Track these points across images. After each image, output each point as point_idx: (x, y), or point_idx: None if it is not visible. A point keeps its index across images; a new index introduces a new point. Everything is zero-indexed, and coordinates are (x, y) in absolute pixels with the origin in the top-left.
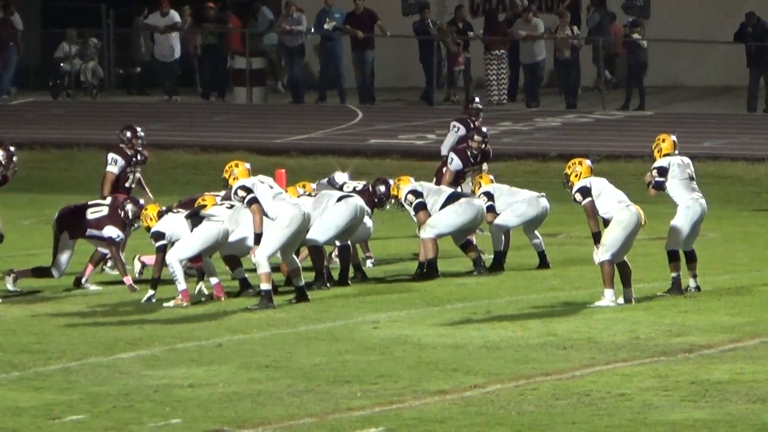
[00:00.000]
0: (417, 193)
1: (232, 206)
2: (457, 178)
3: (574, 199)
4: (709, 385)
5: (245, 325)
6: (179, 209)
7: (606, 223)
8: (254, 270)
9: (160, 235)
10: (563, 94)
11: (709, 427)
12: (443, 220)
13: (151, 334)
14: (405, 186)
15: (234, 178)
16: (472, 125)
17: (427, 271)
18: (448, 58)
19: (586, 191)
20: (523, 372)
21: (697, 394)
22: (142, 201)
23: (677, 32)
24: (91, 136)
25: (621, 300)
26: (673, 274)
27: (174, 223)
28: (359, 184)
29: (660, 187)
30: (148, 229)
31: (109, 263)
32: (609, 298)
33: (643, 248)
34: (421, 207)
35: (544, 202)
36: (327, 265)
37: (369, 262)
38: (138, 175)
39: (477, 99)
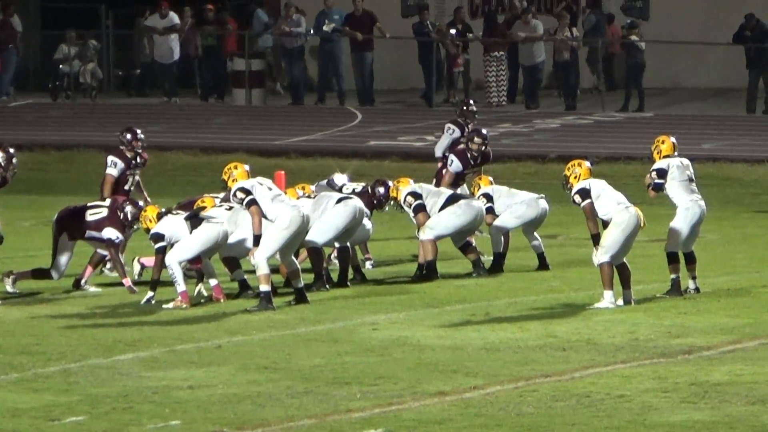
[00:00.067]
0: (416, 195)
1: (231, 208)
2: (457, 180)
3: (573, 200)
4: (708, 386)
5: (244, 327)
6: (178, 211)
7: (605, 224)
8: (253, 272)
9: (159, 237)
10: (562, 96)
11: (708, 428)
12: (443, 221)
13: (150, 336)
14: (404, 188)
15: (233, 180)
16: (466, 127)
17: (427, 272)
18: (447, 60)
19: (585, 193)
20: (522, 373)
21: (697, 395)
22: (141, 203)
23: (676, 34)
24: (91, 137)
25: (620, 301)
26: (673, 276)
27: (173, 225)
28: (358, 186)
29: (659, 188)
30: (148, 230)
31: (109, 265)
32: (608, 299)
33: (642, 250)
34: (421, 209)
35: (543, 204)
36: (326, 267)
37: (368, 264)
38: (137, 177)
39: (472, 101)
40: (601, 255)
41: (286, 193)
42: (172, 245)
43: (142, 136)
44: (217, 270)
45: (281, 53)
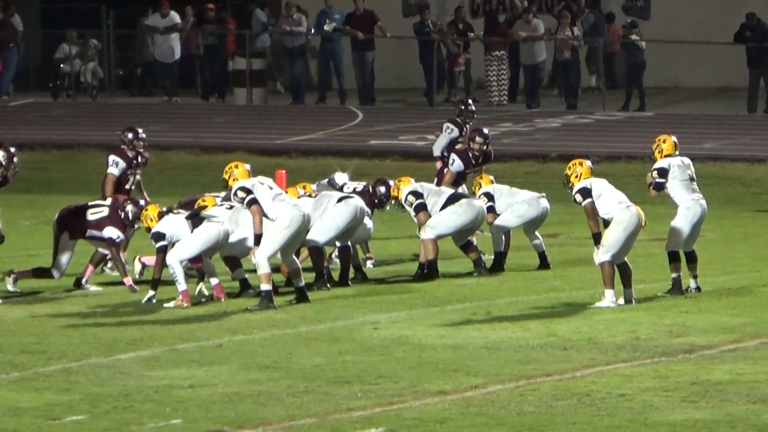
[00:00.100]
0: (417, 194)
1: (231, 207)
2: (458, 179)
3: (575, 199)
4: (709, 385)
5: (245, 326)
6: (180, 210)
7: (606, 224)
8: (254, 271)
9: (160, 236)
10: (562, 95)
11: (709, 427)
12: (443, 221)
13: (151, 335)
14: (405, 187)
15: (234, 179)
16: (465, 127)
17: (428, 271)
18: (448, 59)
19: (586, 192)
20: (523, 372)
21: (698, 394)
22: (142, 202)
23: (677, 33)
24: (92, 137)
25: (621, 301)
26: (674, 275)
27: (174, 224)
28: (359, 185)
29: (660, 188)
30: (149, 229)
31: (110, 264)
32: (609, 298)
33: (643, 249)
34: (422, 208)
35: (544, 203)
36: (327, 266)
37: (369, 263)
38: (138, 176)
39: (470, 101)
40: (602, 254)
41: (287, 192)
42: (173, 244)
43: (144, 135)
44: (218, 269)
45: (282, 52)
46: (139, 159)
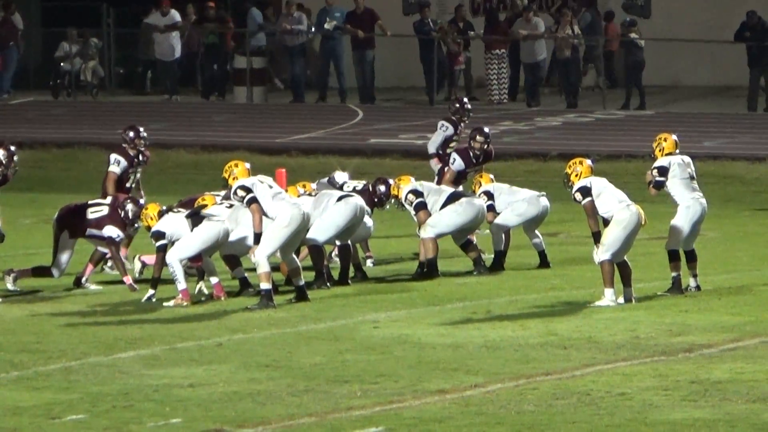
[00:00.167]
0: (417, 193)
1: (231, 206)
2: (459, 178)
3: (574, 198)
4: (709, 384)
5: (245, 325)
6: (179, 209)
7: (606, 222)
8: (254, 269)
9: (160, 235)
10: (562, 93)
11: (709, 426)
12: (443, 219)
13: (151, 334)
14: (405, 186)
15: (233, 178)
16: (460, 125)
17: (428, 270)
18: (448, 58)
19: (586, 191)
20: (523, 371)
21: (698, 393)
22: (142, 201)
23: (678, 32)
24: (92, 135)
25: (621, 299)
26: (674, 274)
27: (174, 223)
28: (359, 184)
29: (660, 186)
30: (149, 228)
31: (110, 263)
32: (609, 297)
33: (643, 248)
34: (422, 206)
35: (544, 202)
36: (327, 265)
37: (369, 262)
38: (138, 175)
39: (465, 99)
40: (602, 253)
41: (287, 191)
42: (173, 243)
43: (145, 134)
44: (218, 268)
45: (282, 51)
46: (141, 158)
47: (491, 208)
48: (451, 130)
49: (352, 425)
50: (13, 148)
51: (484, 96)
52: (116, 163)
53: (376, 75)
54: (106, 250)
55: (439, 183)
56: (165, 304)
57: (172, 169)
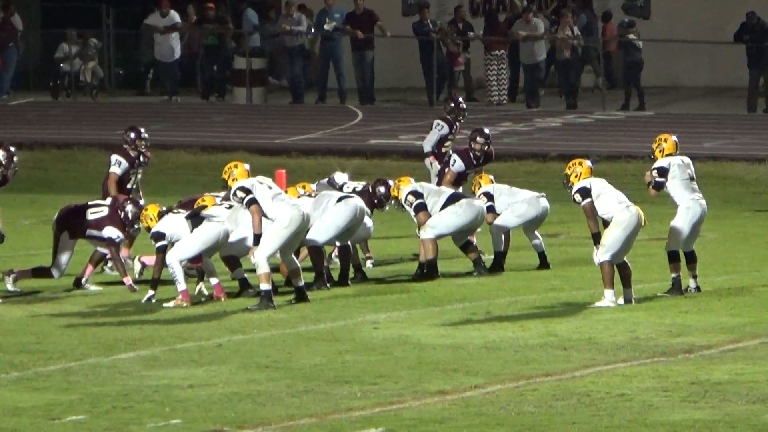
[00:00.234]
0: (417, 194)
1: (231, 207)
2: (459, 180)
3: (574, 199)
4: (709, 385)
5: (245, 326)
6: (179, 210)
7: (606, 223)
8: (254, 270)
9: (160, 236)
10: (561, 94)
11: (709, 427)
12: (443, 220)
13: (151, 335)
14: (405, 187)
15: (233, 179)
16: (455, 124)
17: (427, 271)
18: (448, 59)
19: (585, 192)
20: (523, 372)
21: (697, 394)
22: (142, 202)
23: (677, 32)
24: (91, 136)
25: (621, 300)
26: (673, 275)
27: (174, 224)
28: (359, 185)
29: (660, 187)
30: (149, 229)
31: (110, 264)
32: (609, 298)
33: (643, 249)
34: (422, 208)
35: (544, 203)
36: (327, 266)
37: (369, 263)
38: (139, 176)
39: (461, 99)
40: (602, 254)
41: (286, 191)
42: (172, 244)
43: (146, 135)
44: (218, 269)
45: (282, 52)
46: (141, 159)
47: (491, 209)
48: (446, 129)
49: (352, 426)
50: (12, 148)
51: (483, 97)
52: (117, 164)
53: (376, 76)
54: (105, 251)
55: (438, 184)
56: (165, 305)
57: (172, 169)
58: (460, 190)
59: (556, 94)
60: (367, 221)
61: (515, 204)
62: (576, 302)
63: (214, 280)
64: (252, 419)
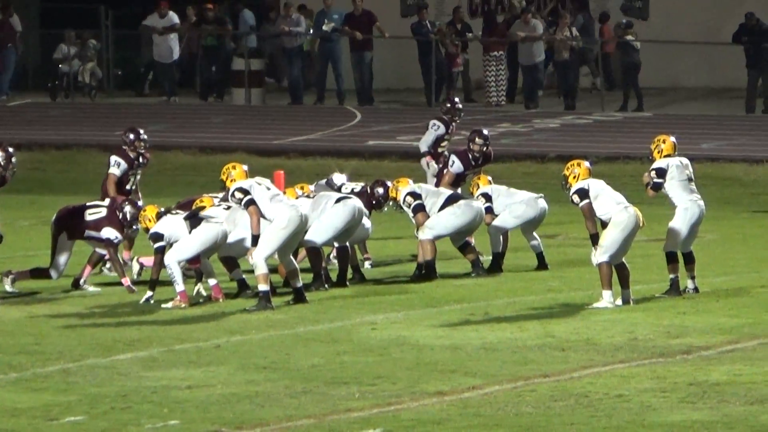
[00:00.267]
0: (416, 195)
1: (229, 207)
2: (458, 181)
3: (572, 200)
4: (707, 386)
5: (243, 327)
6: (178, 210)
7: (604, 224)
8: (252, 271)
9: (158, 237)
10: (561, 96)
11: (707, 428)
12: (442, 221)
13: (149, 336)
14: (403, 188)
15: (231, 180)
16: (451, 125)
17: (426, 272)
18: (447, 60)
19: (583, 193)
20: (521, 373)
21: (696, 395)
22: (140, 202)
23: (676, 33)
24: (90, 137)
25: (619, 301)
26: (672, 276)
27: (173, 225)
28: (357, 186)
29: (658, 188)
30: (147, 230)
31: (108, 264)
32: (607, 299)
33: (641, 250)
34: (420, 209)
35: (542, 203)
36: (325, 267)
37: (367, 264)
38: (138, 177)
39: (457, 99)
40: (600, 255)
41: (285, 192)
42: (171, 245)
43: (145, 136)
44: (216, 270)
45: (281, 53)
46: (141, 160)
47: (489, 210)
48: (442, 129)
49: (350, 427)
50: (11, 149)
51: (482, 98)
52: (116, 165)
53: (375, 77)
54: (104, 252)
55: (437, 185)
56: (163, 305)
57: (170, 170)
58: (459, 191)
59: (555, 95)
60: (366, 222)
61: (513, 205)
62: (574, 303)
63: (212, 281)
64: (250, 420)
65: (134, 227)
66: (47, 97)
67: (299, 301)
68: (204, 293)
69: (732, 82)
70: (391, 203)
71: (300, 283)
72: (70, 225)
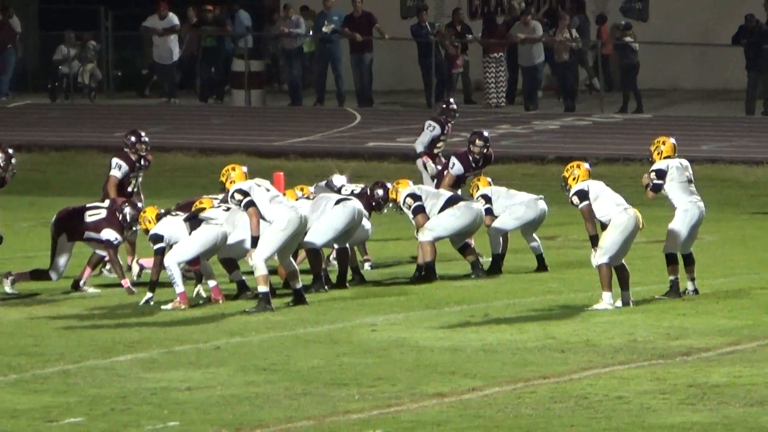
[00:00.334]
0: (416, 197)
1: (228, 209)
2: (458, 182)
3: (572, 202)
4: (706, 388)
5: (243, 328)
6: (177, 212)
7: (604, 226)
8: (252, 273)
9: (158, 238)
10: (560, 97)
11: (706, 430)
12: (442, 223)
13: (149, 337)
14: (403, 189)
15: (231, 182)
16: (447, 126)
17: (426, 273)
18: (446, 61)
19: (583, 194)
20: (520, 375)
21: (695, 397)
22: (140, 204)
23: (676, 35)
24: (90, 138)
25: (619, 303)
26: (671, 277)
27: (172, 226)
28: (357, 187)
29: (658, 189)
30: (147, 231)
31: (108, 266)
32: (607, 301)
33: (641, 251)
34: (420, 210)
35: (542, 205)
36: (325, 268)
37: (367, 265)
38: (140, 179)
39: (452, 100)
40: (600, 256)
41: (285, 194)
42: (171, 246)
43: (147, 139)
44: (216, 271)
45: (281, 54)
46: (142, 162)
47: (489, 212)
48: (438, 130)
49: (350, 429)
50: (11, 150)
51: (482, 99)
52: (117, 168)
53: (374, 78)
54: (104, 253)
55: (437, 186)
56: (163, 307)
57: (170, 172)
58: (459, 192)
59: (554, 96)
60: (366, 224)
61: (513, 206)
62: (574, 305)
63: (212, 283)
64: (250, 421)
65: (134, 228)
66: (47, 98)
67: (299, 303)
68: (204, 295)
69: (732, 83)
70: (390, 205)
71: (300, 285)
72: (69, 226)
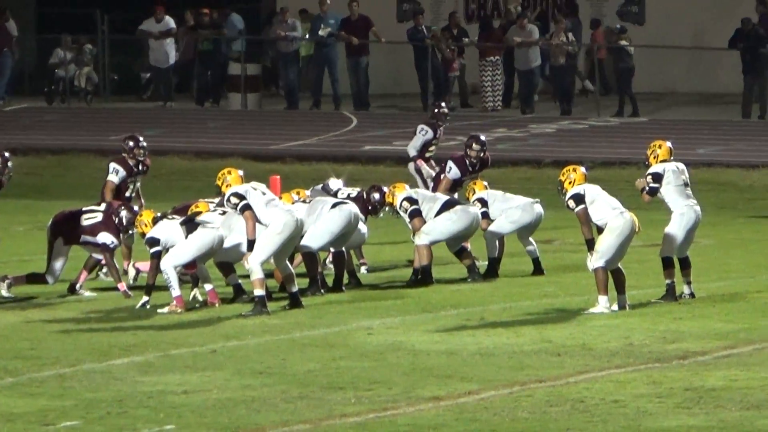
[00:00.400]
0: (412, 200)
1: (225, 213)
2: (455, 186)
3: (568, 205)
4: (703, 391)
5: (239, 332)
6: (174, 215)
7: (600, 230)
8: (248, 276)
9: (154, 242)
10: (556, 101)
11: None
12: (438, 227)
13: (145, 341)
14: (400, 193)
15: (227, 185)
16: (439, 129)
17: (422, 277)
18: (443, 65)
19: (579, 198)
20: (517, 378)
21: (691, 400)
22: (136, 208)
23: (672, 38)
24: (86, 142)
25: (615, 307)
26: (668, 281)
27: (169, 230)
28: (354, 191)
29: (654, 193)
30: (143, 235)
31: (104, 269)
32: (603, 304)
33: (637, 255)
34: (416, 214)
35: (538, 209)
36: (321, 272)
37: (363, 269)
38: (138, 184)
39: (443, 104)
40: (596, 260)
41: (281, 197)
42: (167, 250)
43: (145, 143)
44: (212, 275)
45: (278, 57)
46: (140, 167)
47: (485, 216)
48: (430, 134)
49: None
50: (7, 154)
51: (478, 103)
52: (114, 173)
53: (371, 82)
54: (100, 257)
55: (434, 190)
56: (159, 310)
57: (166, 175)
58: (455, 196)
59: (551, 100)
60: (362, 227)
61: (509, 210)
62: (570, 308)
63: (208, 286)
64: (246, 425)
65: (130, 232)
66: (43, 101)
67: (295, 306)
68: (200, 298)
69: (728, 87)
70: (387, 208)
71: (296, 288)
72: (66, 230)
